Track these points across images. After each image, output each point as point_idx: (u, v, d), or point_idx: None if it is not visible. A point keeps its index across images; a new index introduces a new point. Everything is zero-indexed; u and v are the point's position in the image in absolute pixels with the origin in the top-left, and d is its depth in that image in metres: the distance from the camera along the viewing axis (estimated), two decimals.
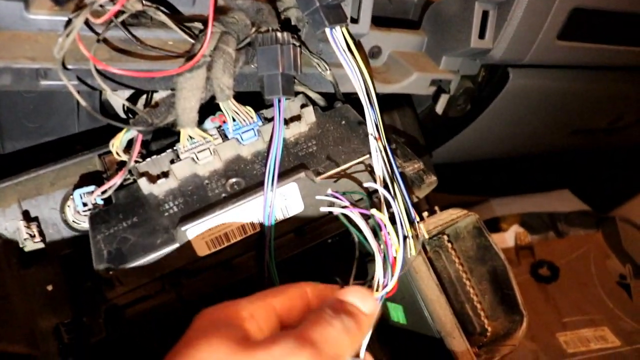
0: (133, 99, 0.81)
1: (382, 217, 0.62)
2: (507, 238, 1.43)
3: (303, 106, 0.72)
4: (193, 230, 0.63)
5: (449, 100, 0.89)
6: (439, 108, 0.89)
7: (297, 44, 0.67)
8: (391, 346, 0.95)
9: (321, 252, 0.76)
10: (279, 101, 0.65)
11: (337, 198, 0.65)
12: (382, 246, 0.61)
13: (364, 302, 0.51)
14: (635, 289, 1.35)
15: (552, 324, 1.22)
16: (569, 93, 1.02)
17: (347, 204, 0.64)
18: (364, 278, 0.77)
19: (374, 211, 0.62)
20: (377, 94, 0.70)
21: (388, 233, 0.61)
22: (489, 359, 0.77)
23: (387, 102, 0.93)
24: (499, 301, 0.81)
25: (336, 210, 0.64)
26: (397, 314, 0.87)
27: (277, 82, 0.65)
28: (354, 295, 0.51)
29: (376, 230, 0.62)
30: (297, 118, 0.71)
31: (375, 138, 0.66)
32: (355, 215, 0.62)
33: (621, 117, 1.18)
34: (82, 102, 0.60)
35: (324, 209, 0.65)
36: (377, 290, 0.59)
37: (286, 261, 0.71)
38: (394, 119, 0.91)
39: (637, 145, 1.38)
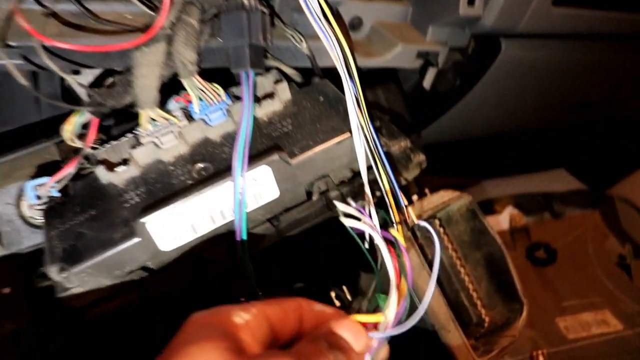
0: (99, 84, 0.74)
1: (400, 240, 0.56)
2: (501, 220, 1.38)
3: (277, 82, 0.65)
4: (155, 222, 0.57)
5: (437, 75, 0.82)
6: (427, 83, 0.82)
7: (266, 11, 0.60)
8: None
9: (304, 245, 0.69)
10: (248, 75, 0.58)
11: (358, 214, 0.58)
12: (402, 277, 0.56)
13: (357, 339, 0.50)
14: (636, 270, 1.29)
15: (550, 309, 1.17)
16: (564, 64, 0.96)
17: (370, 223, 0.58)
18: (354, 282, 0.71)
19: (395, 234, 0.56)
20: (358, 68, 0.64)
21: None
22: (487, 352, 0.71)
23: (370, 78, 0.86)
24: (496, 289, 0.76)
25: (355, 227, 0.58)
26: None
27: (244, 54, 0.58)
28: (348, 330, 0.50)
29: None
30: (270, 95, 0.64)
31: (356, 115, 0.59)
32: (377, 238, 0.56)
33: (619, 89, 1.12)
34: (22, 82, 0.54)
35: (349, 224, 0.58)
36: (381, 328, 0.54)
37: (265, 255, 0.65)
38: (378, 96, 0.84)
39: (634, 120, 1.32)
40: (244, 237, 0.59)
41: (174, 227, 0.58)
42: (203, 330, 0.44)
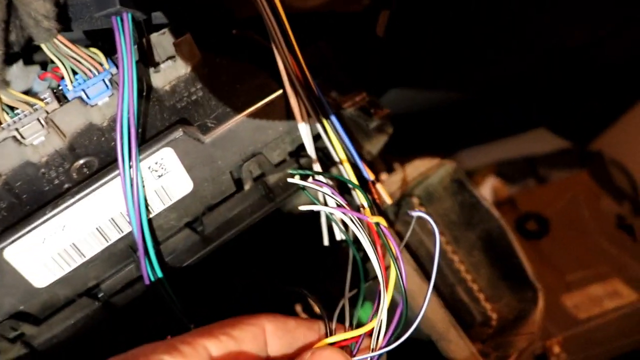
0: None
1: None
2: (484, 193, 1.23)
3: (178, 39, 0.47)
4: (18, 250, 0.39)
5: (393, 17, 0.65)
6: (380, 29, 0.65)
7: None
8: None
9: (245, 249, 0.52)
10: (122, 20, 0.40)
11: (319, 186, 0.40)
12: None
13: None
14: (639, 228, 1.15)
15: (554, 286, 1.02)
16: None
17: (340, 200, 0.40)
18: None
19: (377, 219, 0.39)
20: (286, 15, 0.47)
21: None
22: (501, 358, 0.55)
23: (304, 36, 0.69)
24: (499, 275, 0.60)
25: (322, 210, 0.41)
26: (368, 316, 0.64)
27: None
28: None
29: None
30: (172, 57, 0.47)
31: (285, 64, 0.42)
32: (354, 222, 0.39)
33: (597, 32, 0.98)
34: None
35: (305, 208, 0.39)
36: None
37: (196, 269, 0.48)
38: (319, 51, 0.66)
39: (613, 67, 1.19)
40: (152, 254, 0.42)
41: (48, 253, 0.40)
42: None
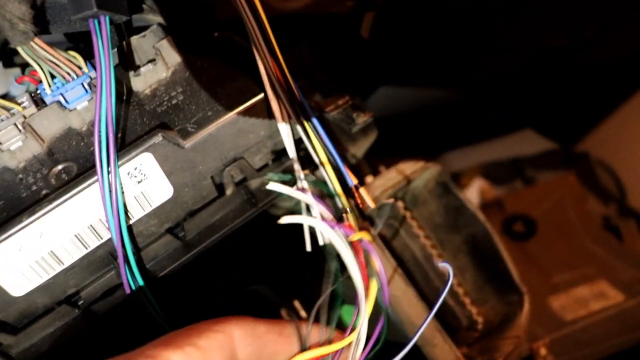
0: None
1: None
2: (470, 195, 1.23)
3: (159, 42, 0.47)
4: None
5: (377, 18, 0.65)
6: (364, 30, 0.64)
7: None
8: None
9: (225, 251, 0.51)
10: (99, 23, 0.40)
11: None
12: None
13: None
14: (625, 230, 1.16)
15: (540, 288, 1.02)
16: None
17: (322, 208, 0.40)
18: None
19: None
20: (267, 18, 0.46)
21: None
22: None
23: (287, 39, 0.68)
24: (485, 279, 0.60)
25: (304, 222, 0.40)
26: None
27: None
28: None
29: None
30: (152, 61, 0.46)
31: (266, 66, 0.41)
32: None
33: (582, 32, 0.98)
34: None
35: (285, 221, 0.38)
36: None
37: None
38: (301, 55, 0.65)
39: (598, 67, 1.19)
40: (132, 261, 0.41)
41: (25, 261, 0.40)
42: None
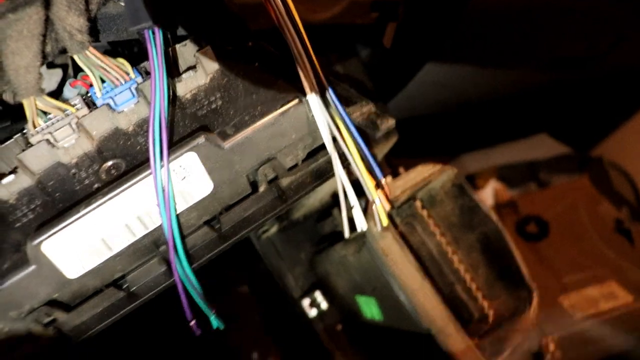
0: None
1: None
2: (485, 196, 1.26)
3: (199, 51, 0.51)
4: (54, 243, 0.43)
5: (399, 29, 0.69)
6: (387, 40, 0.68)
7: None
8: (366, 348, 0.77)
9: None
10: (154, 34, 0.44)
11: None
12: None
13: None
14: (637, 233, 1.18)
15: (551, 287, 1.05)
16: (545, 11, 0.83)
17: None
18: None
19: None
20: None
21: None
22: (497, 352, 0.58)
23: (319, 45, 0.72)
24: (496, 275, 0.63)
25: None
26: (370, 309, 0.68)
27: (140, 4, 0.44)
28: None
29: None
30: (193, 67, 0.51)
31: (308, 73, 0.46)
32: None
33: (601, 39, 1.00)
34: None
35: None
36: None
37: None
38: (330, 63, 0.70)
39: (615, 75, 1.21)
40: (179, 245, 0.45)
41: (80, 247, 0.44)
42: None
